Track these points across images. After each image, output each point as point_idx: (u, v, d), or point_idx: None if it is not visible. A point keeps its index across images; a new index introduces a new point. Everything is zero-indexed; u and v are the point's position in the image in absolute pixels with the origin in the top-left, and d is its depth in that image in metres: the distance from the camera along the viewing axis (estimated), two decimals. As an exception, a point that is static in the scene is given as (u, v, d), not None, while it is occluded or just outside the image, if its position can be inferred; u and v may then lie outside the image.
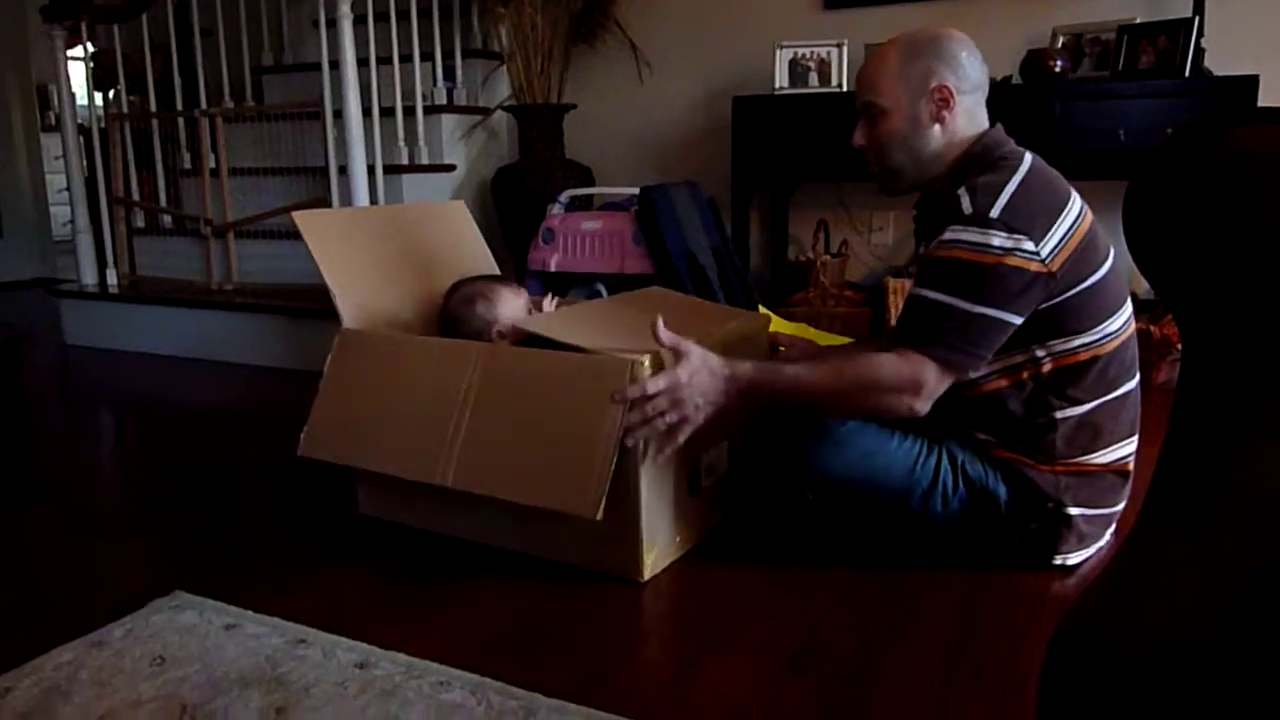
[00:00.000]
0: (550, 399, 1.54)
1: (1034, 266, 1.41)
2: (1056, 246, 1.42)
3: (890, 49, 1.57)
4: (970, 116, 1.56)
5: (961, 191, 1.46)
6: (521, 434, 1.55)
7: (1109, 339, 1.50)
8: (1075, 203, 1.49)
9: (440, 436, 1.61)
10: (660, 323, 1.45)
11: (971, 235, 1.42)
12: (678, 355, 1.45)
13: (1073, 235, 1.45)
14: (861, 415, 1.52)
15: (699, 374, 1.44)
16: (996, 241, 1.40)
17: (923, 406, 1.45)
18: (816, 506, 1.57)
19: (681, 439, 1.46)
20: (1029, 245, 1.40)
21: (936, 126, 1.55)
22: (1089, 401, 1.51)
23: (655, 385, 1.42)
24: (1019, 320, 1.43)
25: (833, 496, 1.55)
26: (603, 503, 1.44)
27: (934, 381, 1.44)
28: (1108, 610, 0.55)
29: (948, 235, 1.44)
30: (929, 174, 1.58)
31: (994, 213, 1.41)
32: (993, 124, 1.58)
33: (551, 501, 1.50)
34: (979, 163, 1.52)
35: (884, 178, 1.63)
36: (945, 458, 1.54)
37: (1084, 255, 1.46)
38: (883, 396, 1.45)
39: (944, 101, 1.53)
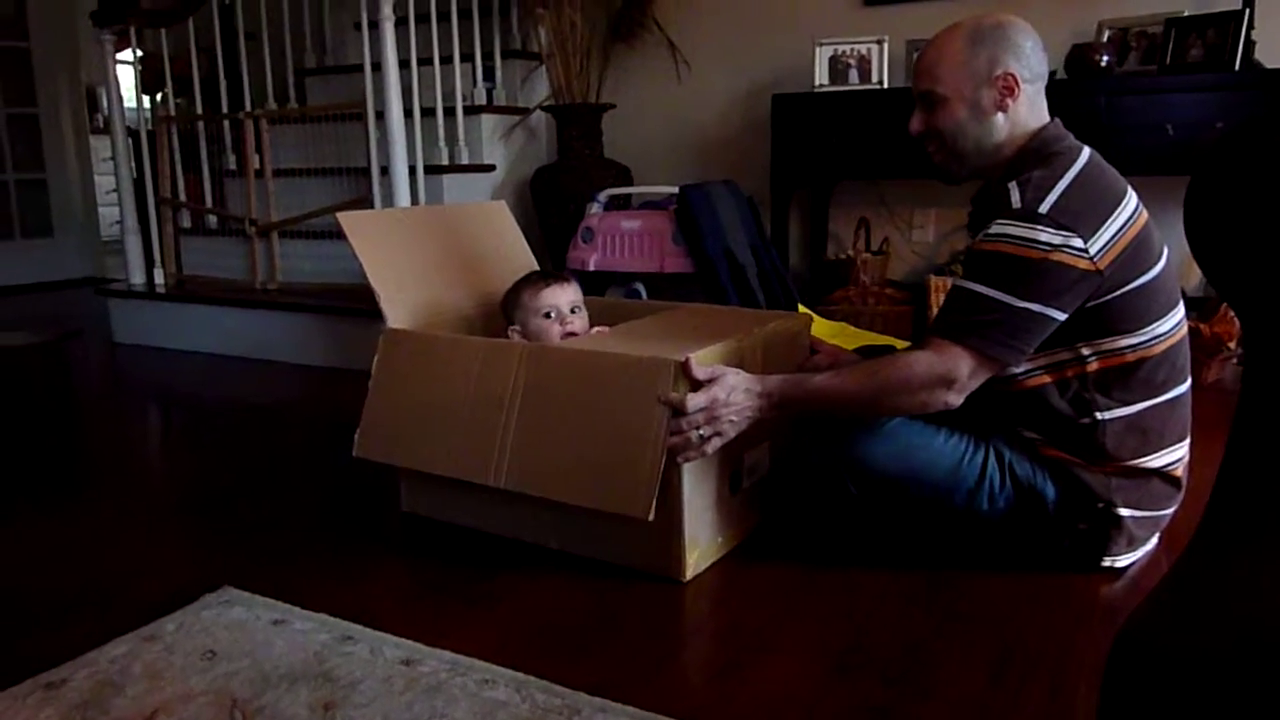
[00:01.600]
0: (596, 398, 1.54)
1: (1082, 264, 1.39)
2: (1106, 245, 1.40)
3: (953, 35, 1.54)
4: (1032, 106, 1.54)
5: (1012, 185, 1.45)
6: (569, 433, 1.56)
7: (1158, 340, 1.47)
8: (1130, 202, 1.47)
9: (490, 437, 1.62)
10: (692, 360, 1.47)
11: (1018, 230, 1.40)
12: (713, 380, 1.48)
13: (1124, 234, 1.43)
14: (898, 414, 1.50)
15: (735, 393, 1.47)
16: (1044, 237, 1.38)
17: (956, 399, 1.44)
18: (860, 502, 1.56)
19: (709, 450, 1.48)
20: (1077, 242, 1.38)
21: (1000, 115, 1.52)
22: (1137, 403, 1.48)
23: (695, 403, 1.45)
24: (1062, 316, 1.41)
25: (877, 491, 1.54)
26: (654, 503, 1.46)
27: (968, 374, 1.42)
28: (1174, 616, 0.54)
29: (994, 229, 1.43)
30: (990, 163, 1.56)
31: (1043, 208, 1.40)
32: (1051, 118, 1.56)
33: (603, 503, 1.52)
34: (1035, 156, 1.50)
35: (946, 165, 1.60)
36: (992, 455, 1.52)
37: (1135, 255, 1.43)
38: (917, 394, 1.44)
39: (1008, 90, 1.51)
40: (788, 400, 1.50)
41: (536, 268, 2.15)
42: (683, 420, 1.45)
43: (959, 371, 1.42)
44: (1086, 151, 1.50)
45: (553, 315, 1.81)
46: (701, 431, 1.45)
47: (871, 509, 1.58)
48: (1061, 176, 1.44)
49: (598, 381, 1.55)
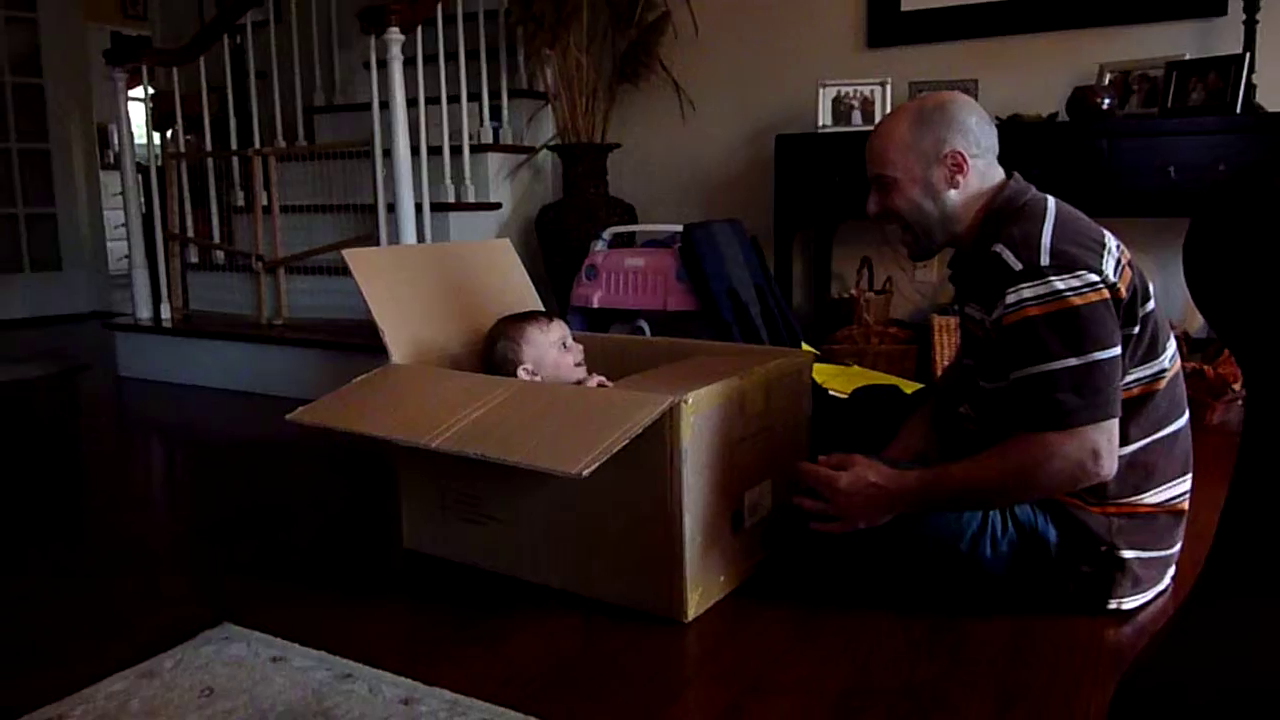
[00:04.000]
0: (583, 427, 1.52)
1: (1105, 294, 1.39)
2: (1116, 271, 1.42)
3: (898, 120, 1.58)
4: (983, 176, 1.57)
5: (1000, 248, 1.46)
6: (554, 423, 1.52)
7: (1162, 375, 1.48)
8: (1110, 236, 1.50)
9: (450, 412, 1.57)
10: (819, 463, 1.53)
11: (1032, 290, 1.40)
12: (844, 465, 1.51)
13: (1123, 263, 1.45)
14: (1051, 495, 1.48)
15: (858, 484, 1.49)
16: (1060, 285, 1.39)
17: (1110, 465, 1.41)
18: (865, 552, 1.55)
19: (832, 529, 1.52)
20: (1092, 276, 1.39)
21: (952, 191, 1.56)
22: (1140, 439, 1.48)
23: (814, 476, 1.51)
24: (1120, 350, 1.41)
25: (880, 541, 1.53)
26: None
27: (1104, 440, 1.39)
28: (1176, 662, 0.54)
29: (1009, 298, 1.42)
30: (952, 231, 1.59)
31: (1042, 260, 1.41)
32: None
33: (537, 459, 1.44)
34: (1003, 214, 1.52)
35: (914, 243, 1.64)
36: (987, 514, 1.52)
37: (1139, 281, 1.46)
38: (1061, 483, 1.43)
39: (957, 167, 1.54)
40: (926, 496, 1.48)
41: (540, 305, 2.16)
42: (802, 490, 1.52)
43: (1095, 442, 1.39)
44: (1051, 199, 1.53)
45: (567, 345, 1.84)
46: (821, 508, 1.50)
47: (875, 556, 1.57)
48: (1042, 225, 1.46)
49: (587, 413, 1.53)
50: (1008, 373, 1.46)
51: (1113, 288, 1.40)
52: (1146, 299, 1.47)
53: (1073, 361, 1.38)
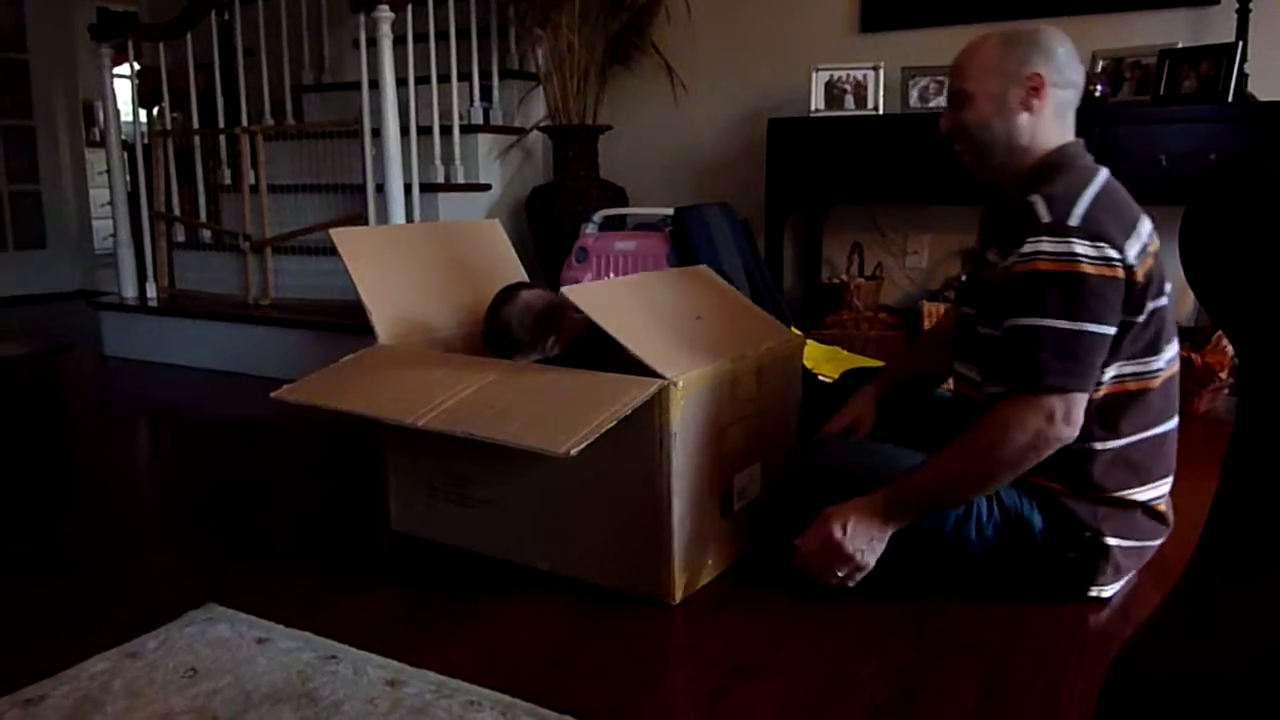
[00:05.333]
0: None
1: (1120, 272, 1.39)
2: (1138, 255, 1.41)
3: (989, 38, 1.56)
4: (1060, 116, 1.54)
5: (1035, 198, 1.44)
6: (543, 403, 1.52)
7: (1158, 373, 1.48)
8: (1146, 223, 1.48)
9: (434, 392, 1.56)
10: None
11: (1051, 245, 1.39)
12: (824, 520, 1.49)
13: (1149, 250, 1.44)
14: (1015, 475, 1.45)
15: (851, 523, 1.47)
16: (1079, 249, 1.38)
17: (1069, 432, 1.40)
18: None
19: (852, 582, 1.50)
20: (1112, 252, 1.38)
21: (1025, 114, 1.52)
22: (1129, 435, 1.48)
23: (807, 545, 1.49)
24: (1113, 332, 1.40)
25: (848, 493, 1.53)
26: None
27: (1063, 408, 1.39)
28: (1168, 646, 0.54)
29: (1026, 247, 1.41)
30: (1013, 165, 1.55)
31: (1072, 220, 1.40)
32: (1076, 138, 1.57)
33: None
34: (1055, 170, 1.50)
35: (970, 159, 1.60)
36: None
37: (1158, 274, 1.45)
38: (1026, 453, 1.40)
39: (1035, 90, 1.51)
40: (905, 505, 1.46)
41: (530, 287, 2.14)
42: (813, 563, 1.49)
43: (1053, 409, 1.38)
44: (1105, 170, 1.51)
45: None
46: (840, 572, 1.48)
47: None
48: (1086, 188, 1.44)
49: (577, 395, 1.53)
50: (1001, 321, 1.45)
51: (1129, 269, 1.39)
52: (1160, 294, 1.46)
53: (1063, 324, 1.38)
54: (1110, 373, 1.45)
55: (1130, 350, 1.45)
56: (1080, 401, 1.41)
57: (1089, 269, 1.37)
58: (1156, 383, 1.48)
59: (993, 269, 1.51)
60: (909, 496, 1.46)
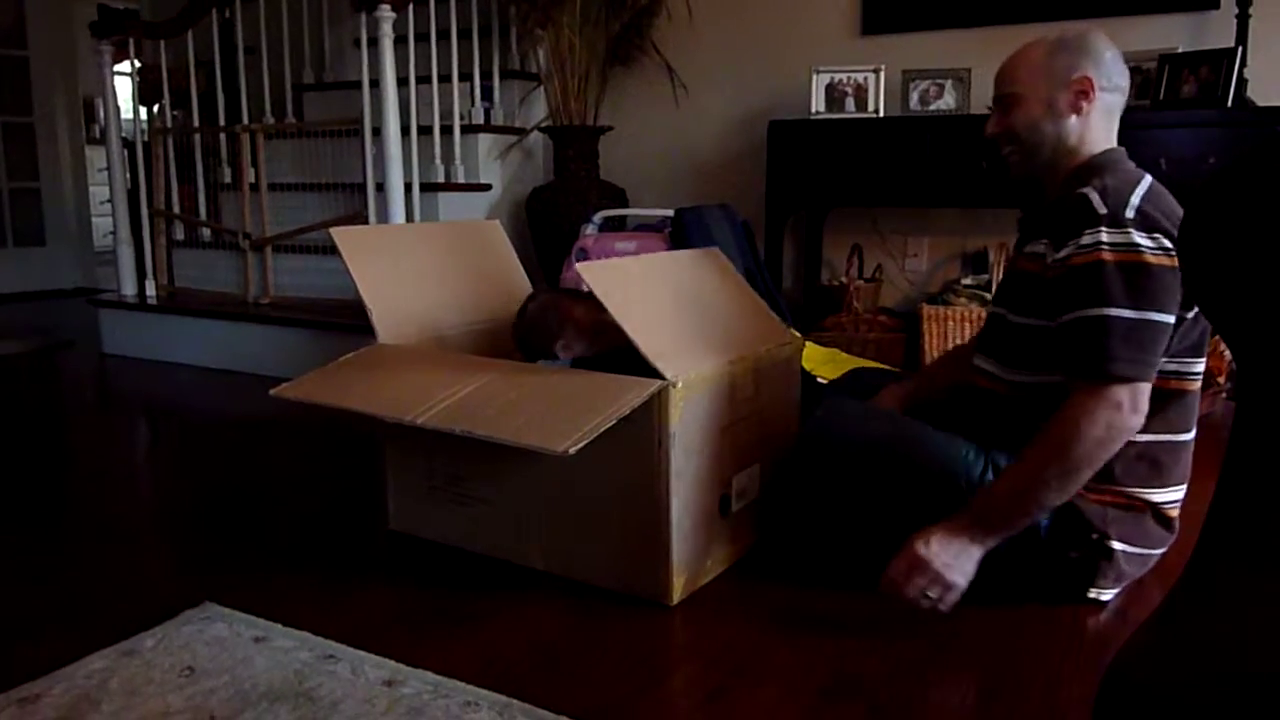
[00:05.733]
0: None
1: (1177, 261, 1.38)
2: None
3: (1037, 43, 1.56)
4: (1108, 118, 1.55)
5: (1089, 190, 1.44)
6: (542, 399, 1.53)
7: (1196, 377, 1.49)
8: None
9: (433, 391, 1.55)
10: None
11: (1111, 236, 1.39)
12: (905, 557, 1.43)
13: None
14: (1094, 469, 1.41)
15: (936, 539, 1.41)
16: (1138, 239, 1.38)
17: (1137, 421, 1.38)
18: (856, 510, 1.56)
19: (945, 606, 1.42)
20: (1167, 243, 1.39)
21: (1074, 117, 1.53)
22: (1158, 433, 1.48)
23: (895, 567, 1.42)
24: (1173, 320, 1.40)
25: (868, 461, 1.53)
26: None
27: (1129, 399, 1.37)
28: (1163, 651, 0.54)
29: (1086, 239, 1.41)
30: (1061, 164, 1.55)
31: (1129, 212, 1.40)
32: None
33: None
34: (1100, 170, 1.50)
35: (1018, 159, 1.59)
36: (991, 468, 1.51)
37: None
38: (1101, 445, 1.38)
39: (1084, 94, 1.52)
40: (989, 516, 1.42)
41: (529, 287, 2.15)
42: (907, 589, 1.42)
43: (1120, 400, 1.37)
44: (1149, 175, 1.52)
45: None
46: (932, 594, 1.41)
47: (866, 521, 1.57)
48: (1137, 184, 1.45)
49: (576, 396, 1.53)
50: (1057, 314, 1.44)
51: None
52: None
53: (1129, 313, 1.37)
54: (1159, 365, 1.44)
55: (1178, 347, 1.45)
56: (1145, 391, 1.40)
57: (1151, 258, 1.38)
58: (1193, 386, 1.49)
59: (1038, 260, 1.50)
60: (990, 508, 1.42)
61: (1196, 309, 1.44)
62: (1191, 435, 1.54)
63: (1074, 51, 1.53)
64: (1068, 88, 1.52)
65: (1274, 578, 0.49)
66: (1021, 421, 1.48)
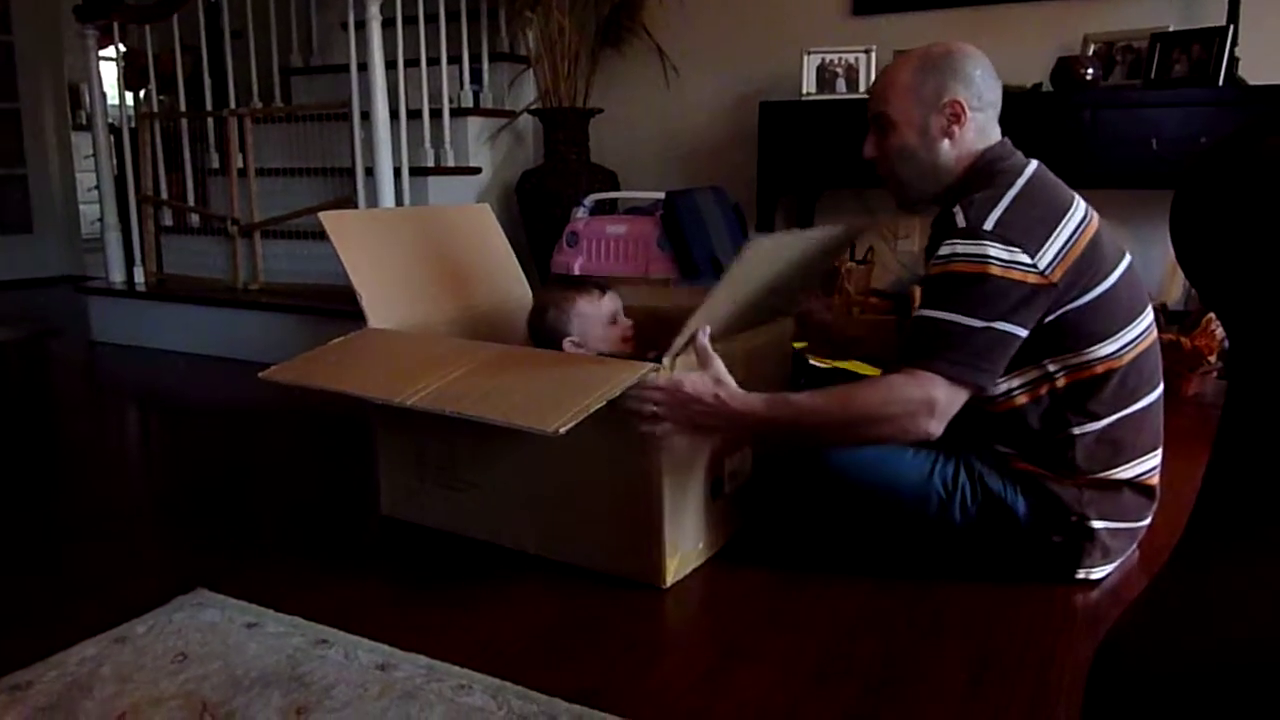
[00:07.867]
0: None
1: (1031, 279, 1.39)
2: (1056, 257, 1.41)
3: (904, 63, 1.57)
4: (981, 132, 1.55)
5: (957, 208, 1.46)
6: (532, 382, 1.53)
7: (1126, 350, 1.47)
8: (1077, 211, 1.47)
9: (425, 373, 1.55)
10: (705, 332, 1.47)
11: (965, 247, 1.41)
12: (701, 363, 1.45)
13: (1074, 245, 1.43)
14: (877, 441, 1.47)
15: (702, 395, 1.43)
16: (992, 252, 1.39)
17: (937, 427, 1.41)
18: (837, 511, 1.57)
19: (657, 431, 1.45)
20: (1024, 258, 1.39)
21: (946, 141, 1.54)
22: (1107, 416, 1.48)
23: (655, 382, 1.43)
24: (1023, 333, 1.41)
25: (850, 499, 1.54)
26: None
27: (945, 399, 1.40)
28: (1156, 627, 0.54)
29: (943, 250, 1.44)
30: (938, 187, 1.57)
31: (988, 225, 1.41)
32: (1004, 136, 1.57)
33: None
34: (980, 177, 1.52)
35: (895, 190, 1.63)
36: (964, 469, 1.52)
37: (1088, 264, 1.43)
38: (896, 420, 1.41)
39: (955, 117, 1.53)
40: (765, 422, 1.45)
41: (520, 272, 2.14)
42: (645, 400, 1.44)
43: (935, 395, 1.39)
44: (1031, 166, 1.52)
45: (617, 320, 1.82)
46: (660, 412, 1.43)
47: (849, 519, 1.58)
48: (1004, 194, 1.45)
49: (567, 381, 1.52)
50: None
51: (1043, 274, 1.39)
52: (1104, 277, 1.44)
53: (964, 320, 1.40)
54: (1054, 367, 1.46)
55: (1074, 344, 1.45)
56: (961, 398, 1.42)
57: (997, 271, 1.39)
58: (1126, 359, 1.47)
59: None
60: (777, 421, 1.45)
61: (1080, 306, 1.43)
62: (1150, 400, 1.52)
63: (942, 73, 1.53)
64: (939, 112, 1.53)
65: (1265, 552, 0.49)
66: (977, 419, 1.49)
